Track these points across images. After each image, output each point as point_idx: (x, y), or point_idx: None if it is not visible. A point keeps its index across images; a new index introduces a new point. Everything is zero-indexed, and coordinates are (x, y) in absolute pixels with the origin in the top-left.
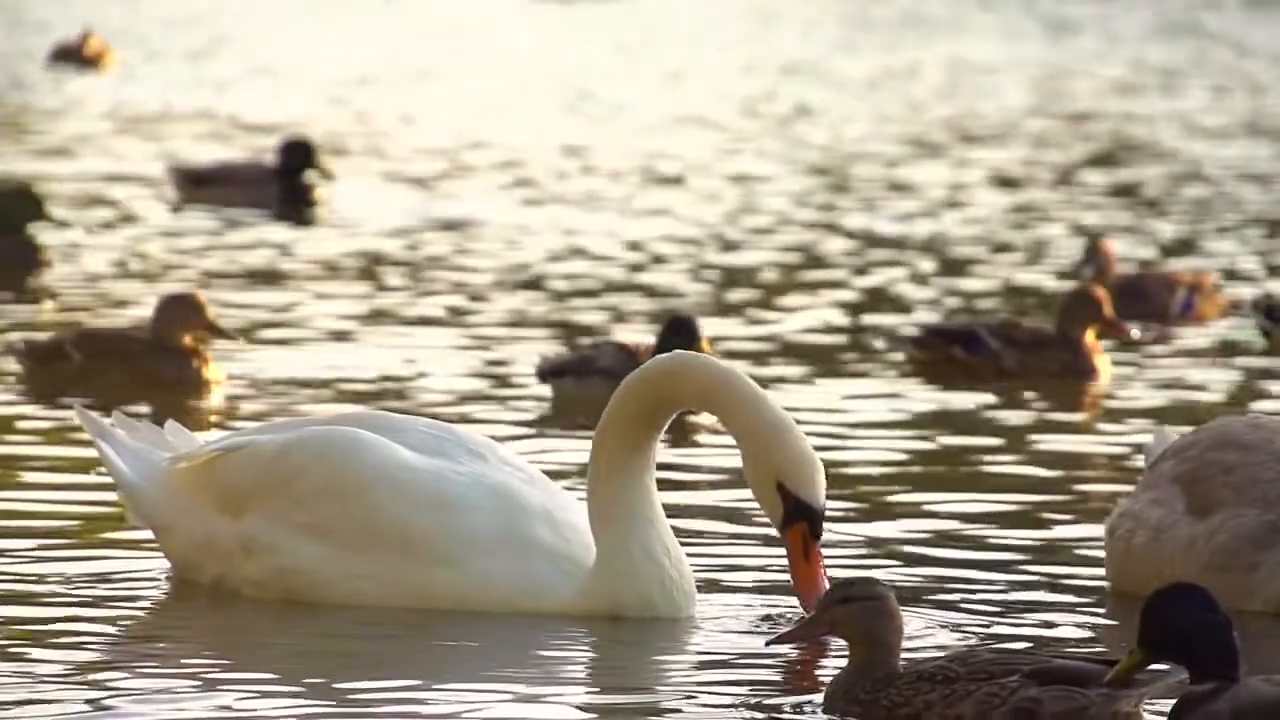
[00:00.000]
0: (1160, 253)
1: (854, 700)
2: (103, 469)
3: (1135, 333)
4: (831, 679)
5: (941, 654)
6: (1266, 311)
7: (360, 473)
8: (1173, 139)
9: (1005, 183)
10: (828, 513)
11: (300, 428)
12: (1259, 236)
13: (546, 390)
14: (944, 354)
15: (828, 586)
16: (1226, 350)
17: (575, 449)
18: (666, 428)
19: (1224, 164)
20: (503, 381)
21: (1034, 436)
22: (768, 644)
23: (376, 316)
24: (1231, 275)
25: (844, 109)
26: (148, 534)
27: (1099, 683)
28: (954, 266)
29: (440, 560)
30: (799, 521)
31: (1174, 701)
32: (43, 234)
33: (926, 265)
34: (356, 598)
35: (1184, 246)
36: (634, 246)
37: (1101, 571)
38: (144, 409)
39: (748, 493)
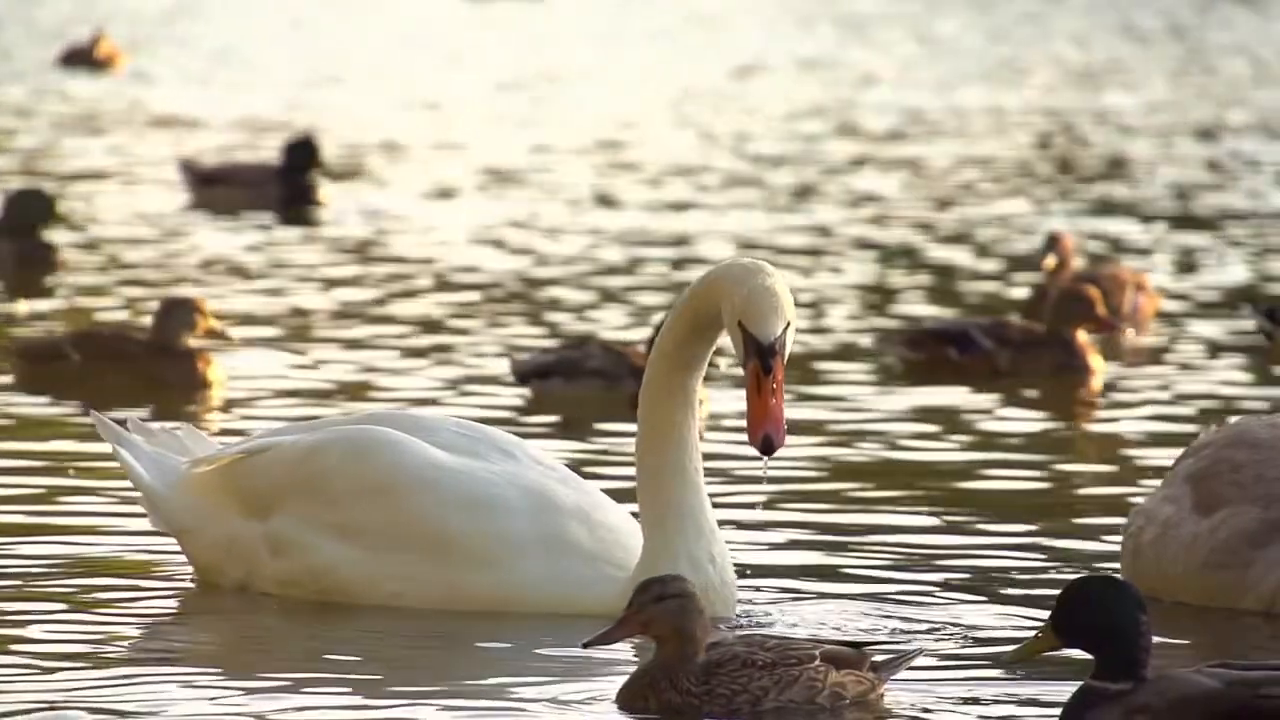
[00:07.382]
0: (1112, 250)
1: (685, 693)
2: (80, 474)
3: (1130, 331)
4: (634, 676)
5: (733, 641)
6: (1267, 313)
7: (393, 473)
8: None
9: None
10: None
11: (326, 428)
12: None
13: (526, 392)
14: (937, 354)
15: (781, 423)
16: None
17: (577, 451)
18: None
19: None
20: (482, 383)
21: (1029, 437)
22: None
23: (373, 316)
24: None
25: (803, 105)
26: (165, 535)
27: (863, 666)
28: (917, 266)
29: (475, 561)
30: (755, 359)
31: (1072, 694)
32: (55, 235)
33: (898, 264)
34: (389, 599)
35: (1125, 245)
36: (603, 244)
37: (1103, 569)
38: (144, 410)
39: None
